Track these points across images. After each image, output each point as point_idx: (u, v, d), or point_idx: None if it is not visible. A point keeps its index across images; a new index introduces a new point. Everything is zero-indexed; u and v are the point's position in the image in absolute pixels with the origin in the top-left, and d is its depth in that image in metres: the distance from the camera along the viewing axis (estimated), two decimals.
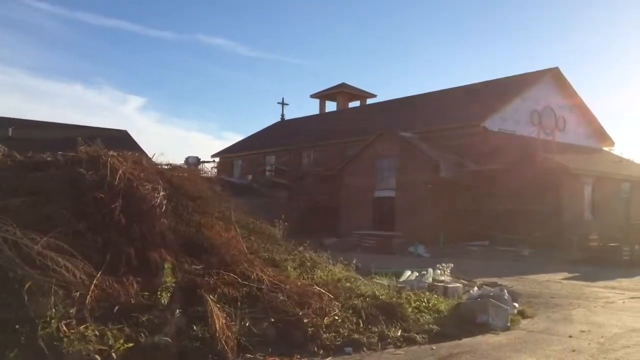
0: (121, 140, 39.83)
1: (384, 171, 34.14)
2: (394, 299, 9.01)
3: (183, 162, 41.07)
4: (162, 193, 8.39)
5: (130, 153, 10.25)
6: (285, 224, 12.38)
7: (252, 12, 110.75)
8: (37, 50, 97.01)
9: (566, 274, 19.22)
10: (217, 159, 53.65)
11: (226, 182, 46.51)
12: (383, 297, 8.99)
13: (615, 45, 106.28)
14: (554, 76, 36.81)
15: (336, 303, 8.29)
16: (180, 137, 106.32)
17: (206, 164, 51.95)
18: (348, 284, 9.59)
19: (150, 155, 39.32)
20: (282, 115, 57.39)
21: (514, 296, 10.41)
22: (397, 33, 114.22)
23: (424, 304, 9.41)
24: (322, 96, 55.80)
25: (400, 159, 33.07)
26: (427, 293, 10.24)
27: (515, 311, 9.83)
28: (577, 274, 19.28)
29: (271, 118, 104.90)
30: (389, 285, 10.33)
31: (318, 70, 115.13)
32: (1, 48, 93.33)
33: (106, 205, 7.59)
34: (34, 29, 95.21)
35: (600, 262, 22.81)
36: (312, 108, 57.94)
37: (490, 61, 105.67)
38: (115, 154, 9.06)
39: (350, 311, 8.19)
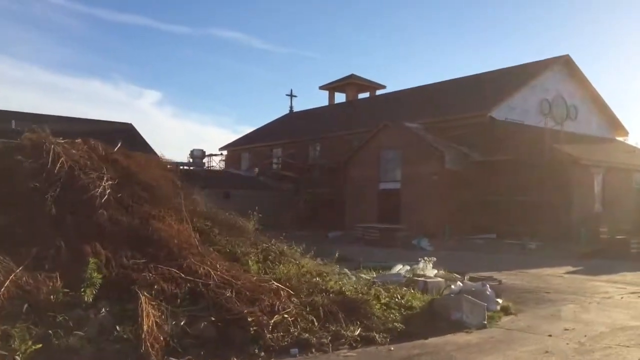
0: (126, 133, 39.53)
1: (388, 163, 33.42)
2: (360, 295, 8.38)
3: (188, 155, 40.82)
4: (107, 182, 7.84)
5: (89, 142, 9.70)
6: (258, 216, 11.54)
7: (264, 5, 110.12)
8: (55, 47, 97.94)
9: (570, 268, 18.45)
10: (225, 152, 53.24)
11: (232, 174, 46.30)
12: (349, 293, 8.37)
13: (630, 33, 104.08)
14: (565, 64, 35.73)
15: (294, 300, 7.70)
16: (196, 131, 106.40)
17: (214, 157, 51.92)
18: (316, 279, 8.98)
19: (154, 149, 37.73)
20: (291, 107, 56.82)
21: (499, 291, 9.73)
22: (408, 23, 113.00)
23: (396, 300, 8.77)
24: (331, 88, 55.05)
25: (405, 150, 32.30)
26: (405, 288, 9.60)
27: (498, 307, 9.17)
28: (581, 268, 18.49)
29: (284, 110, 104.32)
30: (360, 280, 9.68)
31: (331, 62, 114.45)
32: (21, 45, 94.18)
33: (41, 195, 7.07)
34: (52, 25, 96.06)
35: (608, 255, 21.95)
36: (322, 100, 57.08)
37: (502, 51, 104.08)
38: (63, 140, 8.52)
39: (308, 308, 7.58)
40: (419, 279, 9.75)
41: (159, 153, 38.29)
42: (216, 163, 51.49)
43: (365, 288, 8.97)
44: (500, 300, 9.42)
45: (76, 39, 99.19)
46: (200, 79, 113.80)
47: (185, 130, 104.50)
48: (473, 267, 18.01)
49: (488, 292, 8.94)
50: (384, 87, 53.68)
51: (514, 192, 28.81)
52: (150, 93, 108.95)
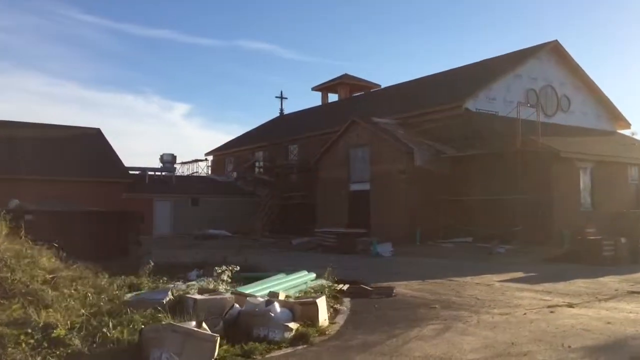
0: (93, 138, 37.71)
1: (358, 162, 30.79)
2: None
3: (158, 159, 38.77)
4: None
5: None
6: None
7: (291, 15, 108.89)
8: (87, 63, 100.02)
9: (520, 274, 15.73)
10: (211, 157, 51.21)
11: (208, 180, 44.13)
12: None
13: (631, 18, 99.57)
14: (553, 50, 32.64)
15: None
16: (223, 140, 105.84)
17: (200, 163, 49.89)
18: None
19: (118, 155, 35.02)
20: (281, 109, 54.52)
21: (296, 311, 7.07)
22: (406, 18, 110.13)
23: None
24: (324, 88, 52.64)
25: (374, 148, 29.66)
26: (149, 311, 6.86)
27: (288, 334, 6.54)
28: (533, 274, 15.77)
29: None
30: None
31: (357, 70, 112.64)
32: (55, 62, 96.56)
33: None
34: (84, 41, 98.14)
35: (579, 259, 19.04)
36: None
37: (498, 44, 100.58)
38: None
39: None
40: (193, 296, 7.11)
41: (123, 159, 36.38)
42: (202, 169, 49.47)
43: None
44: (293, 325, 6.78)
45: (108, 55, 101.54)
46: (227, 89, 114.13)
47: (212, 140, 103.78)
48: (404, 274, 15.40)
49: (272, 314, 6.38)
50: (378, 86, 50.98)
51: (491, 191, 25.99)
52: (180, 105, 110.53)
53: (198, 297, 7.07)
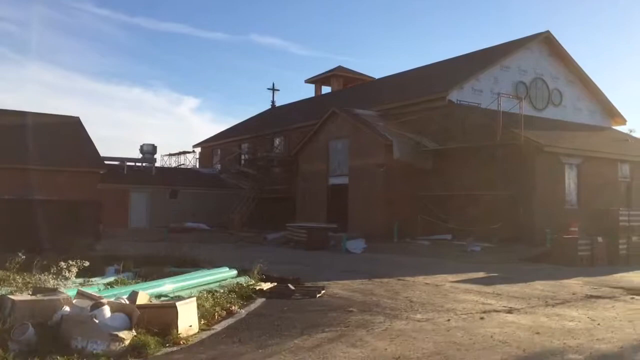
0: (72, 127, 36.69)
1: (338, 155, 29.62)
2: None
3: (138, 150, 37.76)
4: None
5: None
6: None
7: (303, 10, 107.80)
8: (99, 56, 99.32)
9: (480, 275, 14.63)
10: (199, 149, 50.17)
11: (190, 172, 43.07)
12: None
13: (627, 12, 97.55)
14: (545, 42, 31.25)
15: None
16: None
17: (188, 155, 48.89)
18: None
19: (95, 144, 33.74)
20: (273, 101, 53.31)
21: (134, 317, 5.92)
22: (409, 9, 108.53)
23: None
24: (317, 81, 51.43)
25: (352, 139, 28.48)
26: None
27: (119, 345, 5.41)
28: (493, 275, 14.71)
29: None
30: None
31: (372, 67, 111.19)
32: (66, 54, 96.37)
33: None
34: (96, 35, 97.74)
35: (553, 259, 17.90)
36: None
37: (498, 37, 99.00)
38: None
39: None
40: (13, 297, 5.95)
41: (99, 148, 35.38)
42: (189, 161, 48.41)
43: None
44: (127, 334, 5.63)
45: (119, 48, 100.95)
46: (236, 84, 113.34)
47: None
48: (352, 273, 14.34)
49: (97, 321, 5.28)
50: (372, 79, 49.70)
51: (472, 186, 24.79)
52: (190, 99, 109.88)
53: (18, 298, 5.97)
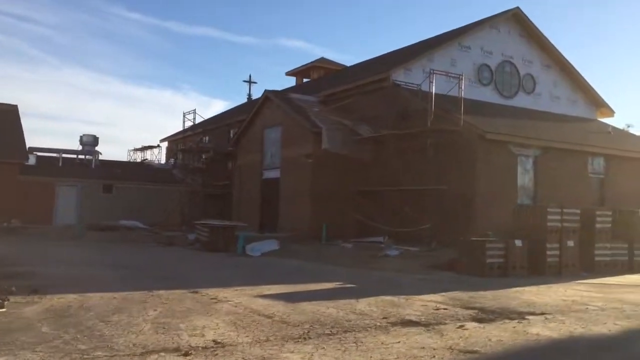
0: (10, 115, 34.02)
1: (272, 145, 26.31)
2: None
3: (78, 140, 35.00)
4: None
5: None
6: None
7: (333, 15, 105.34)
8: (131, 59, 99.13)
9: (329, 286, 11.21)
10: (165, 144, 47.35)
11: (143, 167, 40.17)
12: None
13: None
14: (515, 20, 27.43)
15: None
16: None
17: (154, 150, 46.17)
18: None
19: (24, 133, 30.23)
20: (249, 95, 50.16)
21: None
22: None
23: None
24: (297, 73, 48.27)
25: (285, 127, 25.15)
26: None
27: None
28: (347, 286, 11.24)
29: None
30: None
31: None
32: (100, 58, 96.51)
33: None
34: (127, 38, 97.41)
35: (466, 268, 14.28)
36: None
37: None
38: None
39: None
40: None
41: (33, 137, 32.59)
42: (155, 156, 45.55)
43: None
44: None
45: (151, 51, 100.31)
46: (264, 87, 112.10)
47: None
48: (164, 279, 11.07)
49: None
50: None
51: (409, 180, 21.31)
52: (218, 102, 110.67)
53: None
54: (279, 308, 8.11)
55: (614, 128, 28.46)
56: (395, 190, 21.63)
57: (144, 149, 45.68)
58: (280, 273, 13.42)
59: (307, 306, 8.37)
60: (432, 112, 19.99)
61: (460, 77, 20.99)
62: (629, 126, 38.29)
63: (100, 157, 35.92)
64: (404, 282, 12.09)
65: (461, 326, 7.23)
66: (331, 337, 6.37)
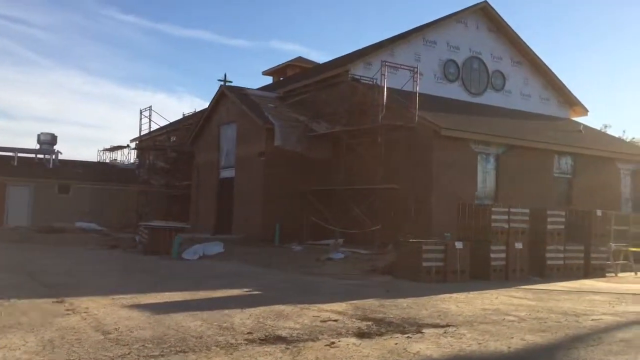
0: None
1: (227, 143, 25.17)
2: None
3: (36, 139, 33.77)
4: None
5: None
6: None
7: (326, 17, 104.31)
8: (124, 61, 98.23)
9: (233, 293, 10.07)
10: (134, 144, 45.95)
11: (111, 167, 38.94)
12: None
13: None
14: (483, 15, 26.41)
15: None
16: None
17: (124, 150, 44.81)
18: None
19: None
20: None
21: None
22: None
23: None
24: (274, 72, 47.09)
25: (239, 124, 24.01)
26: None
27: None
28: (254, 293, 10.12)
29: None
30: None
31: None
32: (93, 60, 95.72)
33: None
34: (122, 41, 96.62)
35: (402, 272, 13.15)
36: None
37: None
38: None
39: None
40: None
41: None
42: (125, 156, 44.25)
43: None
44: None
45: (145, 54, 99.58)
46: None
47: None
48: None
49: None
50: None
51: (365, 179, 20.19)
52: None
53: None
54: (135, 322, 6.95)
55: (586, 127, 27.45)
56: (348, 190, 20.55)
57: (113, 149, 44.42)
58: (198, 279, 12.22)
59: (174, 318, 7.21)
60: (384, 107, 18.86)
61: (415, 69, 19.87)
62: (606, 126, 37.31)
63: (61, 157, 34.64)
64: (324, 289, 10.95)
65: (331, 343, 6.09)
66: (153, 358, 5.21)
